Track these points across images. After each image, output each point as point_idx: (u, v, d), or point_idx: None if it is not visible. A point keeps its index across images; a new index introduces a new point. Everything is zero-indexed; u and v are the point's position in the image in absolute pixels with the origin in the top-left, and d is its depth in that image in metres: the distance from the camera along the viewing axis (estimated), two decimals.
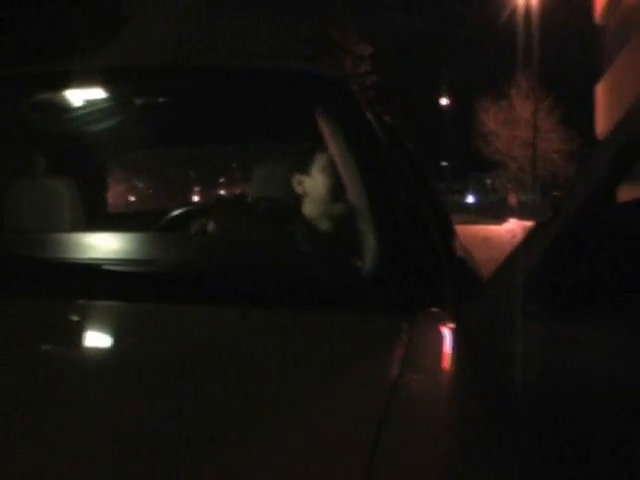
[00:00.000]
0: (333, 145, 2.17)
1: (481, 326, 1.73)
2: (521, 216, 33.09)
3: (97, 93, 2.73)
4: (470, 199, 57.04)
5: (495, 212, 39.45)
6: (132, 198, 35.94)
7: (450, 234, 3.17)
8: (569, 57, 45.56)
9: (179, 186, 36.56)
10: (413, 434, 1.19)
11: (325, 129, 2.20)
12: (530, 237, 1.82)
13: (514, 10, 39.48)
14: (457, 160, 58.51)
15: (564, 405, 1.65)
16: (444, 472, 1.13)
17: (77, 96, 2.83)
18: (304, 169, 2.75)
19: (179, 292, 1.83)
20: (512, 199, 45.27)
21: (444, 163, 60.42)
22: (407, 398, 1.30)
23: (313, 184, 2.74)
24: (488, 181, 56.44)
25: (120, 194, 28.99)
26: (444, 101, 59.19)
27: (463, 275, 2.08)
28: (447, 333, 1.68)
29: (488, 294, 1.81)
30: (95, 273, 1.87)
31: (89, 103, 2.92)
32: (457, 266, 2.14)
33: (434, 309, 1.76)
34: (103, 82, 2.50)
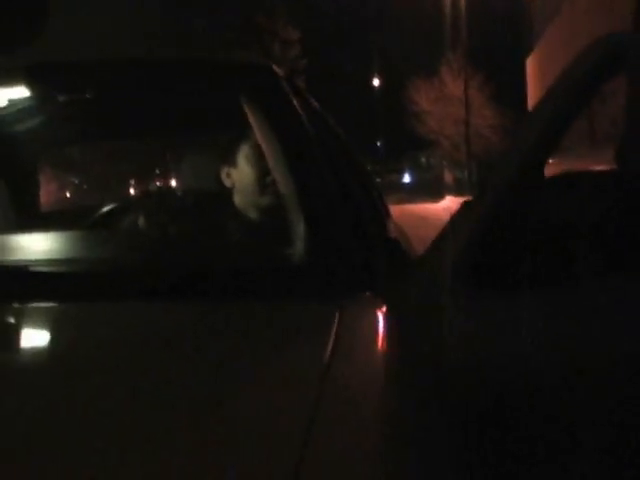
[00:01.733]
0: (259, 134, 2.17)
1: (411, 308, 1.74)
2: (458, 193, 33.31)
3: (19, 92, 2.69)
4: (406, 178, 57.15)
5: (432, 190, 39.66)
6: (68, 194, 35.51)
7: (383, 216, 3.19)
8: (498, 33, 45.82)
9: (115, 180, 36.20)
10: (344, 422, 1.19)
11: (251, 118, 2.20)
12: (457, 217, 1.84)
13: None
14: (392, 140, 58.64)
15: (490, 386, 1.67)
16: (376, 460, 1.13)
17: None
18: (232, 161, 2.75)
19: (108, 290, 1.81)
20: (448, 176, 45.57)
21: (379, 143, 60.65)
22: (337, 385, 1.30)
23: (241, 175, 2.74)
24: (423, 159, 56.60)
25: (55, 191, 28.62)
26: (376, 82, 59.36)
27: (395, 258, 2.09)
28: (377, 317, 1.69)
29: (417, 275, 1.83)
30: (21, 275, 1.85)
31: (12, 102, 2.88)
32: (389, 249, 2.15)
33: (364, 293, 1.76)
34: (24, 80, 2.47)
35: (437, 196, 35.45)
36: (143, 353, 1.50)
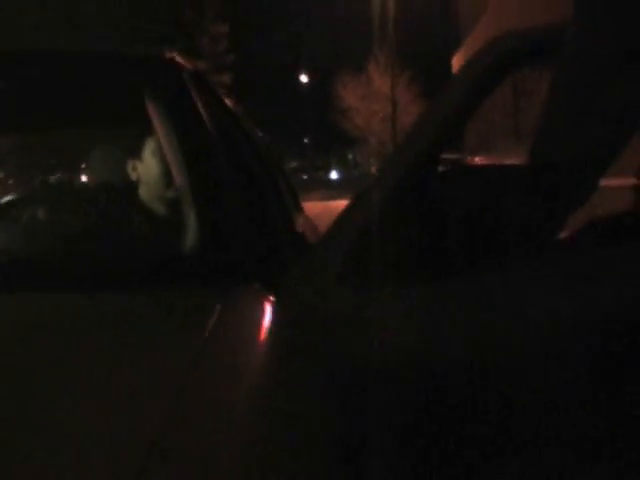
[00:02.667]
0: (159, 128, 2.18)
1: (299, 299, 1.76)
2: None
3: None
4: (334, 175, 57.34)
5: (359, 187, 39.71)
6: None
7: (290, 211, 3.21)
8: (426, 30, 46.17)
9: (19, 174, 35.64)
10: (206, 411, 1.21)
11: (152, 112, 2.21)
12: (349, 208, 1.86)
13: None
14: (318, 136, 58.75)
15: (376, 377, 1.69)
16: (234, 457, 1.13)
17: None
18: (137, 154, 2.76)
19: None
20: (375, 173, 45.71)
21: (306, 140, 60.68)
22: (211, 377, 1.32)
23: (146, 169, 2.75)
24: (350, 156, 56.82)
25: None
26: (304, 78, 59.37)
27: (298, 250, 2.11)
28: (260, 308, 1.70)
29: (306, 266, 1.84)
30: None
31: None
32: (292, 242, 2.17)
33: (250, 285, 1.78)
34: None
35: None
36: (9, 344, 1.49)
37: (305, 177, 44.62)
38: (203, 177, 2.01)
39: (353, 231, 1.80)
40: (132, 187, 2.77)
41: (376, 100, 43.95)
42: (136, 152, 2.77)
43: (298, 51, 59.56)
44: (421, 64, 43.96)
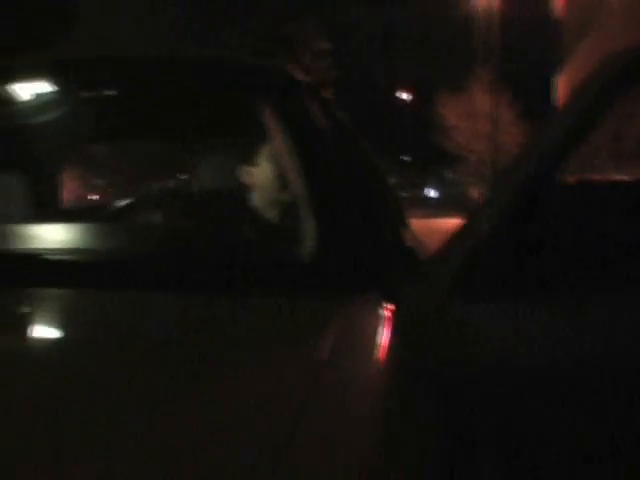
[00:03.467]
0: (278, 136, 2.20)
1: (418, 309, 1.75)
2: None
3: (44, 86, 2.73)
4: (432, 193, 57.14)
5: (457, 206, 39.51)
6: (91, 197, 35.58)
7: (399, 224, 3.20)
8: (529, 50, 45.75)
9: (133, 180, 36.27)
10: (335, 419, 1.20)
11: (268, 120, 2.23)
12: (468, 222, 1.85)
13: (474, 3, 39.67)
14: (417, 154, 58.56)
15: (489, 391, 1.68)
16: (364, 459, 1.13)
17: (25, 90, 2.82)
18: (252, 160, 2.79)
19: (121, 279, 1.83)
20: (474, 192, 45.36)
21: (404, 157, 60.52)
22: (336, 383, 1.31)
23: (261, 174, 2.78)
24: (449, 175, 56.54)
25: (79, 192, 28.73)
26: (404, 95, 59.32)
27: (407, 264, 2.11)
28: (383, 316, 1.70)
29: (426, 277, 1.84)
30: (37, 262, 1.87)
31: (37, 96, 2.91)
32: (402, 255, 2.16)
33: (370, 293, 1.77)
34: (49, 75, 2.50)
35: (463, 211, 35.31)
36: (146, 343, 1.51)
37: (404, 194, 44.49)
38: (322, 184, 2.02)
39: (470, 245, 1.80)
40: (244, 193, 2.80)
41: (477, 119, 43.62)
42: (250, 158, 2.80)
43: (399, 68, 59.56)
44: (523, 83, 43.56)
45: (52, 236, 2.09)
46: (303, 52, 42.50)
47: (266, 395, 1.26)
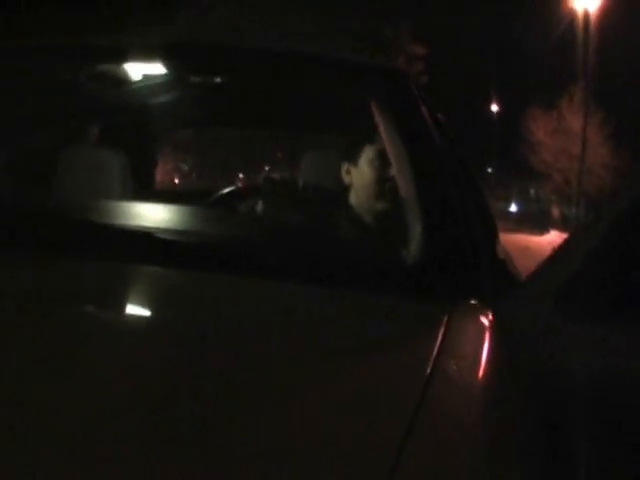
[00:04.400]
0: (387, 137, 2.20)
1: (517, 323, 1.74)
2: (563, 229, 32.78)
3: (155, 68, 2.77)
4: (513, 208, 56.63)
5: (537, 223, 39.11)
6: (176, 180, 35.93)
7: (492, 235, 3.18)
8: (625, 71, 45.04)
9: (222, 171, 36.51)
10: (448, 427, 1.19)
11: (380, 121, 2.23)
12: (571, 239, 1.84)
13: (572, 20, 39.19)
14: (502, 167, 58.10)
15: (594, 408, 1.67)
16: (478, 466, 1.13)
17: (135, 70, 2.86)
18: (353, 159, 2.79)
19: (221, 263, 1.84)
20: (555, 211, 44.88)
21: (490, 169, 60.11)
22: (444, 388, 1.30)
23: (359, 175, 2.78)
24: (532, 191, 56.01)
25: (164, 174, 28.97)
26: (494, 107, 58.90)
27: (502, 273, 2.10)
28: (485, 324, 1.70)
29: (526, 292, 1.83)
30: (145, 240, 1.89)
31: (146, 77, 2.95)
32: (497, 264, 2.15)
33: (473, 301, 1.77)
34: (162, 57, 2.53)
35: (542, 229, 34.92)
36: (247, 332, 1.51)
37: None
38: (432, 188, 2.02)
39: (573, 262, 1.79)
40: (344, 191, 2.81)
41: (566, 137, 43.16)
42: (352, 157, 2.80)
43: (491, 79, 59.11)
44: (615, 105, 42.95)
45: (157, 216, 2.12)
46: (397, 55, 42.45)
47: (377, 399, 1.24)
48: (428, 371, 1.32)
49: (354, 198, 2.80)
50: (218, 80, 3.08)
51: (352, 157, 2.80)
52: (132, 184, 2.56)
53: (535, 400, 1.57)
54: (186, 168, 38.95)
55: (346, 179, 2.84)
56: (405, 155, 2.09)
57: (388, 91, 2.32)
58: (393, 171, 2.26)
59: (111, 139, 3.62)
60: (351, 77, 2.47)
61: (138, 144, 3.73)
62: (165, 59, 2.55)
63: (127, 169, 2.51)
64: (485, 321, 1.70)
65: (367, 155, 2.76)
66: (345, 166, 2.83)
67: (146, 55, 2.52)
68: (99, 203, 2.24)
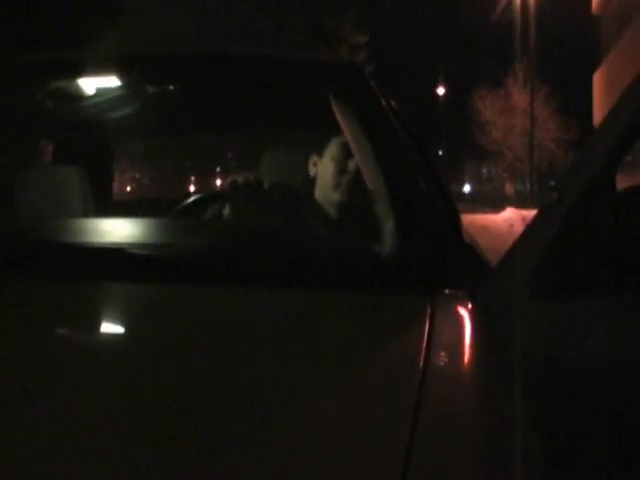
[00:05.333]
0: (349, 131, 2.20)
1: (492, 308, 1.76)
2: (518, 205, 32.98)
3: (110, 81, 2.75)
4: (467, 188, 56.96)
5: (492, 201, 39.36)
6: (128, 188, 35.69)
7: (457, 221, 3.19)
8: (566, 46, 45.43)
9: (173, 176, 36.37)
10: (447, 421, 1.20)
11: (340, 116, 2.23)
12: (535, 224, 1.88)
13: None
14: (453, 149, 58.39)
15: (567, 386, 1.70)
16: (478, 455, 1.15)
17: (89, 84, 2.84)
18: (319, 153, 2.80)
19: (197, 274, 1.83)
20: (509, 188, 45.21)
21: (440, 152, 60.33)
22: (438, 383, 1.31)
23: (323, 169, 2.80)
24: (484, 170, 56.32)
25: (118, 183, 28.72)
26: (440, 90, 59.12)
27: (473, 259, 2.11)
28: (466, 313, 1.71)
29: (498, 277, 1.86)
30: (116, 256, 1.88)
31: (101, 91, 2.93)
32: (467, 251, 2.17)
33: (451, 290, 1.78)
34: (117, 69, 2.52)
35: (497, 207, 35.13)
36: (231, 340, 1.50)
37: None
38: (399, 180, 2.02)
39: (541, 244, 1.83)
40: (309, 187, 2.82)
41: (513, 115, 43.40)
42: (319, 149, 2.81)
43: (435, 63, 59.36)
44: (560, 79, 43.33)
45: (123, 231, 2.10)
46: (339, 45, 42.43)
47: (375, 399, 1.25)
48: (421, 366, 1.32)
49: (318, 192, 2.81)
50: (173, 88, 3.07)
51: (319, 150, 2.82)
52: (93, 199, 2.54)
53: (520, 386, 1.58)
54: (139, 177, 38.72)
55: (312, 171, 2.85)
56: (369, 148, 2.09)
57: (344, 86, 2.32)
58: (356, 164, 2.27)
59: (66, 155, 3.59)
60: (308, 75, 2.47)
61: (95, 159, 3.70)
62: (118, 71, 2.54)
63: (87, 185, 2.49)
64: (466, 310, 1.71)
65: (330, 149, 2.76)
66: (313, 158, 2.85)
67: (99, 68, 2.50)
68: (64, 222, 2.22)
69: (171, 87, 3.05)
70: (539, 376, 1.71)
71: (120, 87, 2.91)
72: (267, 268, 1.84)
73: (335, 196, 2.72)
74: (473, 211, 29.78)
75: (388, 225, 1.90)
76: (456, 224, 2.56)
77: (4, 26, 13.17)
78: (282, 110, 3.40)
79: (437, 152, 60.21)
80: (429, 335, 1.46)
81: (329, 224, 2.64)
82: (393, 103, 2.92)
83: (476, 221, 22.17)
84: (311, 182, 2.84)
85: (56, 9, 14.33)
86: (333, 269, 1.83)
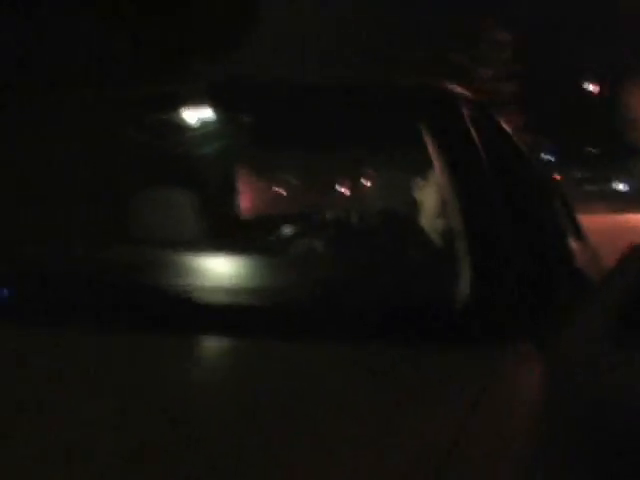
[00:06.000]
0: (435, 163, 2.15)
1: (571, 358, 1.68)
2: None
3: (207, 112, 2.78)
4: (621, 186, 55.45)
5: None
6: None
7: (567, 243, 3.08)
8: None
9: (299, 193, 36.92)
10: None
11: (429, 146, 2.18)
12: (623, 265, 1.78)
13: None
14: (604, 146, 56.95)
15: None
16: None
17: (189, 115, 2.87)
18: (425, 176, 2.77)
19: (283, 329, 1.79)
20: None
21: (591, 149, 58.95)
22: (479, 435, 1.31)
23: (426, 193, 2.75)
24: (637, 168, 54.77)
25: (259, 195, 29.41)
26: (590, 87, 57.83)
27: (574, 287, 2.04)
28: (532, 368, 1.65)
29: (580, 324, 1.77)
30: (190, 305, 1.87)
31: (201, 123, 2.96)
32: (570, 278, 2.09)
33: (523, 343, 1.71)
34: (211, 100, 2.54)
35: None
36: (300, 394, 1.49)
37: (590, 188, 43.41)
38: (478, 222, 1.95)
39: (621, 291, 1.73)
40: (412, 212, 2.78)
41: None
42: (424, 174, 2.77)
43: (587, 60, 58.11)
44: None
45: (213, 269, 2.11)
46: (484, 44, 42.16)
47: (417, 446, 1.25)
48: (471, 415, 1.33)
49: (422, 218, 2.77)
50: (273, 116, 3.08)
51: (425, 174, 2.77)
52: (209, 221, 2.57)
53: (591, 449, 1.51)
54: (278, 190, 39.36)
55: (417, 195, 2.81)
56: (450, 182, 2.04)
57: (434, 116, 2.26)
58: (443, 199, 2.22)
59: (181, 181, 3.65)
60: (396, 105, 2.43)
61: (211, 181, 3.75)
62: (215, 100, 2.56)
63: (200, 207, 2.53)
64: (533, 364, 1.65)
65: (434, 177, 2.72)
66: (418, 181, 2.81)
67: (198, 99, 2.53)
68: (164, 255, 2.24)
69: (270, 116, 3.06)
70: (617, 434, 1.61)
71: (218, 116, 2.93)
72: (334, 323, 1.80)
73: (439, 223, 2.66)
74: (628, 210, 28.92)
75: (464, 269, 1.84)
76: (562, 252, 2.46)
77: (149, 35, 13.67)
78: (379, 139, 3.37)
79: (588, 149, 59.05)
80: (489, 387, 1.43)
81: (428, 255, 2.58)
82: (497, 122, 2.84)
83: (627, 220, 21.69)
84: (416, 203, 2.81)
85: (198, 21, 14.69)
86: (407, 321, 1.79)
